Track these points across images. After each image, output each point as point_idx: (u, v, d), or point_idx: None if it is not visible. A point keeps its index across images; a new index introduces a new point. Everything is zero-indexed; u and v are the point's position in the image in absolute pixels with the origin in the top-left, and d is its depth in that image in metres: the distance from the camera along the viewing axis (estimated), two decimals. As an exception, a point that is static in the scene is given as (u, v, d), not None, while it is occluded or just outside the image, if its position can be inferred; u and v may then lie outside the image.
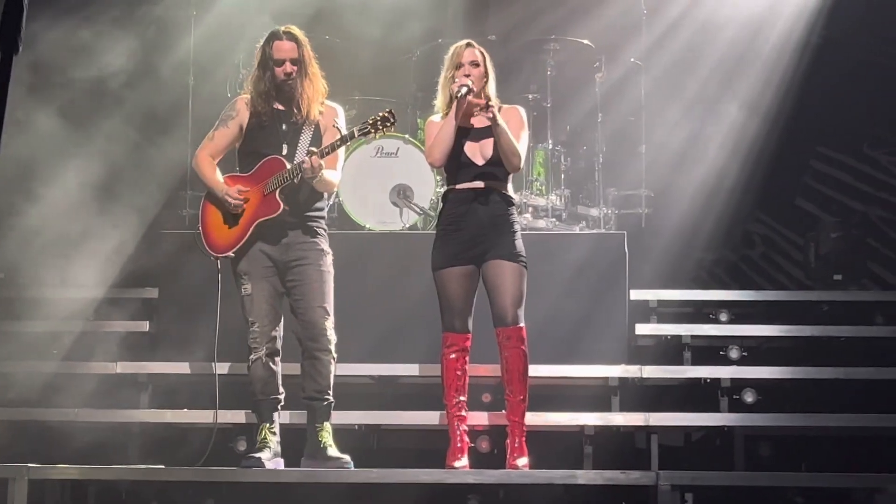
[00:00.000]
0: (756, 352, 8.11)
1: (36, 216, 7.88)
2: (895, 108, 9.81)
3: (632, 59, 9.50)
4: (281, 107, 6.63)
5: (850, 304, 8.63)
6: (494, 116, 6.31)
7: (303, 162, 6.38)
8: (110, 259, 8.01)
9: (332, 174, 6.57)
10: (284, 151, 6.56)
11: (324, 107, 6.67)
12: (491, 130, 6.39)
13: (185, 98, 9.12)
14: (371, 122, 6.46)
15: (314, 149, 6.43)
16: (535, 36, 9.48)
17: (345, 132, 6.52)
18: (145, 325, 8.19)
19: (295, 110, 6.61)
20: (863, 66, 9.88)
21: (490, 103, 6.36)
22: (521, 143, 6.46)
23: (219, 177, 6.65)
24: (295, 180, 6.46)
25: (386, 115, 6.46)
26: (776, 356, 8.10)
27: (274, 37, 6.61)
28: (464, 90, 6.35)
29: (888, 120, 9.95)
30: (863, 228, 9.57)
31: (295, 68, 6.58)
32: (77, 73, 8.53)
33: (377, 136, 6.75)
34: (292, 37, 6.60)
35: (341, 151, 6.62)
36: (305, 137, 6.59)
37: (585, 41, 9.27)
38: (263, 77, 6.61)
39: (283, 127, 6.61)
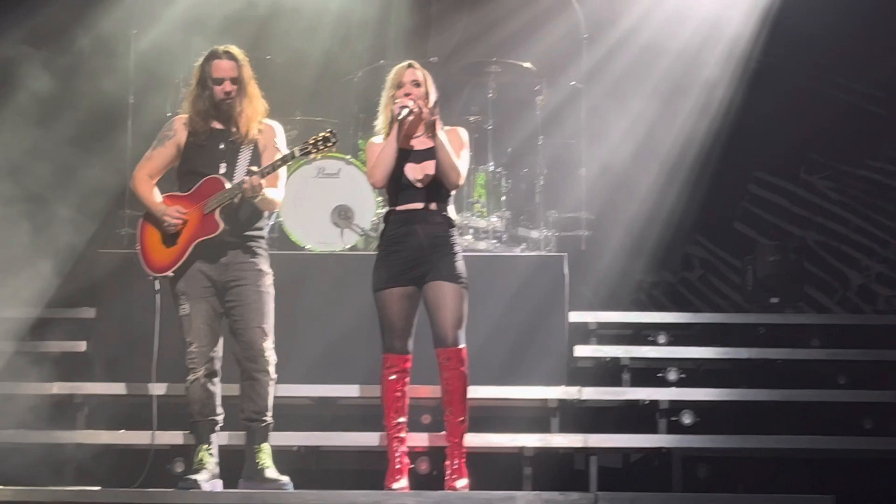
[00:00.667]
0: (694, 374, 8.15)
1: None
2: (832, 133, 9.94)
3: (572, 83, 9.52)
4: (219, 126, 6.59)
5: (787, 327, 8.71)
6: (434, 124, 6.30)
7: (242, 181, 6.34)
8: (47, 278, 7.92)
9: (275, 192, 6.53)
10: (223, 170, 6.51)
11: (262, 125, 6.63)
12: (432, 152, 6.40)
13: (125, 116, 9.05)
14: (312, 141, 6.43)
15: (255, 168, 6.39)
16: (476, 58, 9.49)
17: (285, 150, 6.50)
18: (82, 346, 8.10)
19: (233, 129, 6.57)
20: (800, 91, 9.99)
21: (433, 115, 6.35)
22: (462, 162, 6.46)
23: (157, 196, 6.59)
24: (234, 200, 6.41)
25: (327, 135, 6.43)
26: (714, 378, 8.14)
27: (213, 56, 6.57)
28: (404, 112, 6.35)
29: (825, 145, 10.07)
30: (799, 252, 9.66)
31: (234, 87, 6.54)
32: (14, 88, 8.45)
33: (318, 157, 6.74)
34: (232, 56, 6.57)
35: (283, 170, 6.58)
36: (244, 156, 6.55)
37: (526, 64, 9.29)
38: (202, 96, 6.56)
39: (221, 146, 6.57)
